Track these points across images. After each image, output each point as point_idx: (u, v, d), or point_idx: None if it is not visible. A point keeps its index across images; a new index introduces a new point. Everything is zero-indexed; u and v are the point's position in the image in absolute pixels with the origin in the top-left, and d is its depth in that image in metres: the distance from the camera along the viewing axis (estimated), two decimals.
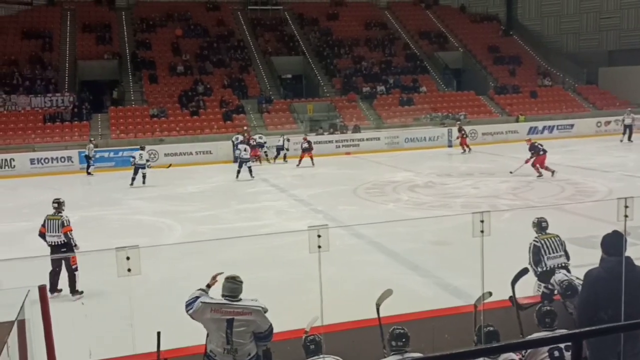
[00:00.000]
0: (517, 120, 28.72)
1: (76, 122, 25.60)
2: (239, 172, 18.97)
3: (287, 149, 23.47)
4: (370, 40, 34.05)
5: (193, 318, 4.48)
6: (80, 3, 32.67)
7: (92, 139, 23.12)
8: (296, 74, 33.58)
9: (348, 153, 24.92)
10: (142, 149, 19.24)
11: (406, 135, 26.63)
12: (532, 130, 27.46)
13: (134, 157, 18.70)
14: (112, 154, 23.30)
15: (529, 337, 4.47)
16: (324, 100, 29.66)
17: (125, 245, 3.72)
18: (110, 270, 3.75)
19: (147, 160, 18.77)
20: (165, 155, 23.42)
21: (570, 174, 16.97)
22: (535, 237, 6.46)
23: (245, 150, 19.24)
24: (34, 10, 32.04)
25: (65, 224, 8.42)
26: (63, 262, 8.19)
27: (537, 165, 16.72)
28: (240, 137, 22.99)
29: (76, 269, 8.25)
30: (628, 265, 4.11)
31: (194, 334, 4.59)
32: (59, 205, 8.66)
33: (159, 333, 4.24)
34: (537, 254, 6.36)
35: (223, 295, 4.54)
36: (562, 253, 6.34)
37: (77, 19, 31.65)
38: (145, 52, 30.42)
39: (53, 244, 8.45)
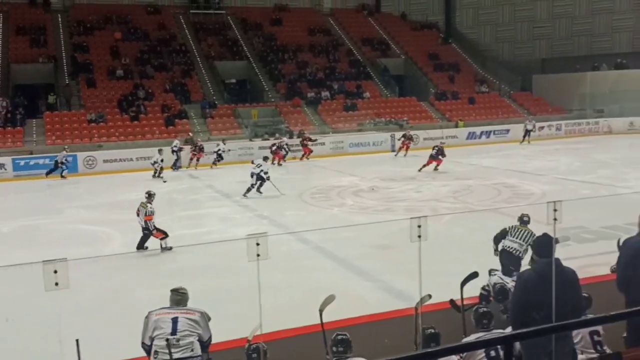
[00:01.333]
0: (456, 126, 29.54)
1: (9, 127, 24.51)
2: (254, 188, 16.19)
3: (222, 153, 23.33)
4: (314, 46, 34.25)
5: (145, 337, 4.47)
6: (14, 4, 31.31)
7: (66, 146, 22.38)
8: (240, 79, 33.36)
9: (293, 158, 24.92)
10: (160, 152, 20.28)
11: (351, 140, 26.91)
12: (470, 135, 28.31)
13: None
14: (48, 161, 22.39)
15: (465, 339, 4.60)
16: (269, 105, 29.60)
17: (56, 258, 3.58)
18: (38, 284, 3.61)
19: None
20: (105, 161, 22.76)
21: (507, 177, 17.58)
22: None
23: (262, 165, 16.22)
24: None
25: (148, 214, 10.26)
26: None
27: (435, 164, 19.34)
28: (179, 143, 22.70)
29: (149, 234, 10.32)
30: (557, 267, 4.30)
31: (132, 348, 4.47)
32: (149, 196, 10.66)
33: (77, 340, 4.14)
34: (503, 234, 7.38)
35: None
36: (522, 243, 7.13)
37: (10, 21, 30.33)
38: (83, 55, 29.49)
39: (140, 224, 10.46)
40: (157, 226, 10.49)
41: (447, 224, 11.89)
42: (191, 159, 23.14)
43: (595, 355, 4.74)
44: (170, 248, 10.35)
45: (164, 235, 10.43)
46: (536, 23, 37.14)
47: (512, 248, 7.21)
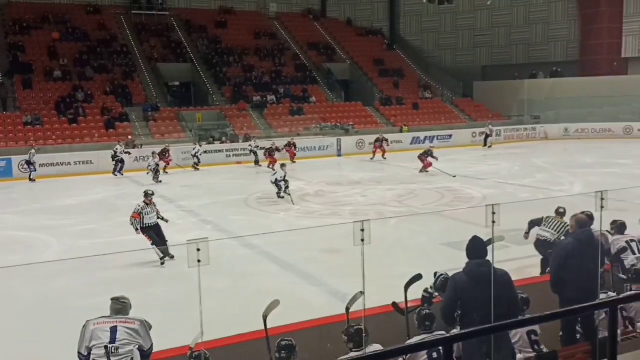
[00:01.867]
0: (401, 131, 30.04)
1: None
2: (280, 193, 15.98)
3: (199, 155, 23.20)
4: (260, 49, 34.09)
5: (81, 347, 4.32)
6: None
7: (35, 146, 21.85)
8: (184, 82, 32.82)
9: (239, 162, 24.69)
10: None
11: (297, 144, 26.87)
12: (415, 140, 28.82)
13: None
14: None
15: (409, 341, 4.65)
16: (214, 108, 29.24)
17: None
18: None
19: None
20: (41, 165, 21.86)
21: (450, 181, 17.98)
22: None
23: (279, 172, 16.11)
24: None
25: (134, 211, 10.26)
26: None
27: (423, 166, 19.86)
28: (120, 147, 22.00)
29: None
30: (489, 268, 4.45)
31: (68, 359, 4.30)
32: (145, 195, 10.54)
33: None
34: (538, 222, 8.07)
35: None
36: (555, 233, 7.73)
37: None
38: (19, 55, 28.29)
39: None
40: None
41: (392, 227, 12.03)
42: (166, 164, 21.70)
43: (532, 355, 4.88)
44: (172, 257, 9.81)
45: (151, 240, 10.07)
46: (477, 31, 38.29)
47: (544, 237, 7.88)
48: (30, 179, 20.71)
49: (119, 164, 21.71)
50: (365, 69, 35.65)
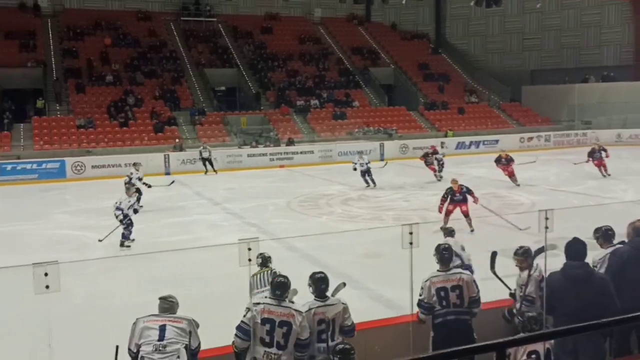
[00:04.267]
0: (445, 135, 29.67)
1: None
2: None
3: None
4: (304, 54, 34.33)
5: (131, 343, 4.43)
6: (3, 8, 31.06)
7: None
8: (230, 87, 33.33)
9: (282, 166, 24.90)
10: (136, 167, 15.50)
11: (339, 149, 26.91)
12: (459, 145, 28.43)
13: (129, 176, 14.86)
14: (35, 166, 22.21)
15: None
16: (258, 113, 29.58)
17: (45, 261, 3.53)
18: (27, 287, 3.54)
19: (140, 179, 14.96)
20: (93, 167, 22.57)
21: (497, 187, 17.64)
22: None
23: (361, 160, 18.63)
24: None
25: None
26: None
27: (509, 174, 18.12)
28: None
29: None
30: (588, 272, 4.52)
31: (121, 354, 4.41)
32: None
33: (117, 347, 4.16)
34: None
35: None
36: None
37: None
38: (72, 60, 29.35)
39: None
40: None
41: (436, 233, 11.86)
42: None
43: None
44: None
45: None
46: (525, 35, 37.51)
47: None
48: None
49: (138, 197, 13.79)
50: (410, 73, 35.41)
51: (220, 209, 15.86)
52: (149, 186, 15.64)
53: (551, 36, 36.97)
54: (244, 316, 4.48)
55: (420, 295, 4.90)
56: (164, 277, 8.77)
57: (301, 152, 26.24)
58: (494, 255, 5.50)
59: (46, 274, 3.45)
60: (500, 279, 5.30)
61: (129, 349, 4.47)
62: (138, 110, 27.41)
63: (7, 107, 26.12)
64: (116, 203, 11.79)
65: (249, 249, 3.65)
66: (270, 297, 4.51)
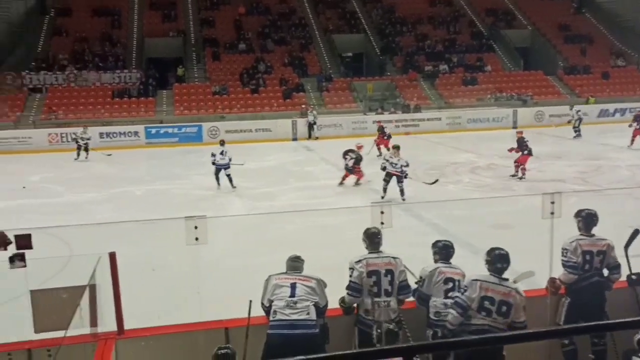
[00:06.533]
0: (586, 102, 27.47)
1: (142, 98, 26.39)
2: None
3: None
4: (435, 17, 33.26)
5: (264, 298, 4.68)
6: None
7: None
8: (357, 52, 33.26)
9: (407, 133, 24.57)
10: (222, 144, 15.00)
11: (469, 116, 25.99)
12: (603, 113, 26.24)
13: (213, 156, 14.52)
14: (176, 130, 23.91)
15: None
16: (385, 79, 29.29)
17: (193, 215, 3.80)
18: (177, 240, 3.85)
19: (230, 159, 14.53)
20: (227, 132, 23.79)
21: None
22: None
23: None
24: None
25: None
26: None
27: (519, 163, 14.72)
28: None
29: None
30: None
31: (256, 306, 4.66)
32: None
33: (250, 301, 4.45)
34: None
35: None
36: None
37: None
38: (209, 30, 30.86)
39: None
40: None
41: (572, 205, 11.15)
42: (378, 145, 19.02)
43: None
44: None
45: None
46: None
47: None
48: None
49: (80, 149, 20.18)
50: (549, 35, 33.03)
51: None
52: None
53: None
54: (350, 276, 4.75)
55: (564, 256, 4.93)
56: (292, 238, 9.11)
57: (428, 119, 25.70)
58: (635, 233, 5.13)
59: (196, 227, 3.73)
60: (627, 258, 4.94)
61: (262, 304, 4.72)
62: (268, 77, 28.32)
63: (152, 75, 28.20)
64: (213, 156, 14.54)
65: (382, 212, 3.66)
66: (370, 252, 4.80)
